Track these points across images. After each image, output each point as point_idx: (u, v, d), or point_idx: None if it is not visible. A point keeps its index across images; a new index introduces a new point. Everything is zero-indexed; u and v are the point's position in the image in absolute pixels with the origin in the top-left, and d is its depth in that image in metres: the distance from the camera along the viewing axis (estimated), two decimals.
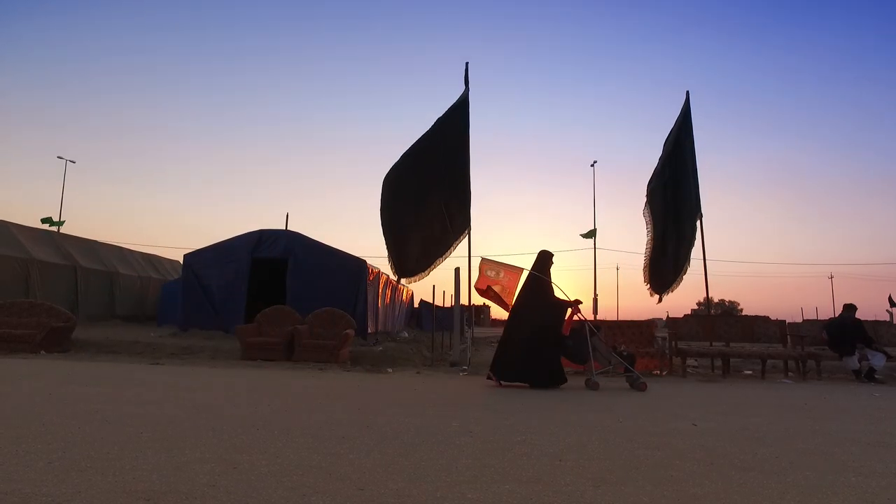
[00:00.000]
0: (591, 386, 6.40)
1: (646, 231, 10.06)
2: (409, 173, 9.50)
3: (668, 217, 10.11)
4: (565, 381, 6.52)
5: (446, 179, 9.89)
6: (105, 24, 61.89)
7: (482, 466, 2.80)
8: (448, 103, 10.10)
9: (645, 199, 10.08)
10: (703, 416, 4.69)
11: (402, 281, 9.69)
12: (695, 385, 7.27)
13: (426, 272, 9.84)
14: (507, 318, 7.07)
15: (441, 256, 9.91)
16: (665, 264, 10.15)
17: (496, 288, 7.59)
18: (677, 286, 10.26)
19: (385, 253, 9.47)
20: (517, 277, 7.29)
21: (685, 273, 10.31)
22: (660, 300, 10.36)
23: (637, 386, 6.40)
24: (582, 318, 6.72)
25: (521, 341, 6.55)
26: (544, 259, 6.97)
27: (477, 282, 7.83)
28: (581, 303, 6.77)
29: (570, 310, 6.68)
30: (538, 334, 6.52)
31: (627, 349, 7.35)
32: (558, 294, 6.83)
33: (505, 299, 7.50)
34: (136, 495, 2.18)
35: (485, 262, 7.92)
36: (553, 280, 6.84)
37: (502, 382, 6.56)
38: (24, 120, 61.91)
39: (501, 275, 7.65)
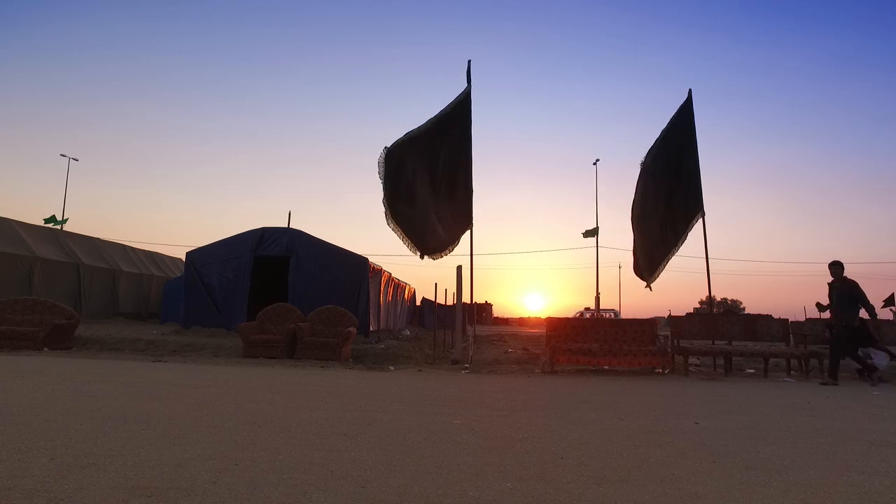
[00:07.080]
0: None
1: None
2: (418, 155, 9.29)
3: (646, 204, 10.59)
4: None
5: (447, 175, 9.89)
6: (108, 23, 62.04)
7: (483, 464, 2.80)
8: (449, 102, 10.09)
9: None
10: (705, 414, 4.68)
11: (426, 258, 9.43)
12: (697, 383, 7.26)
13: (450, 248, 9.77)
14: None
15: (457, 240, 9.90)
16: (652, 250, 10.52)
17: None
18: (661, 271, 10.58)
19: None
20: None
21: (671, 257, 10.63)
22: (647, 285, 10.61)
23: None
24: None
25: None
26: None
27: None
28: None
29: None
30: None
31: None
32: None
33: None
34: (138, 492, 2.19)
35: None
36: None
37: None
38: (28, 118, 62.15)
39: None
